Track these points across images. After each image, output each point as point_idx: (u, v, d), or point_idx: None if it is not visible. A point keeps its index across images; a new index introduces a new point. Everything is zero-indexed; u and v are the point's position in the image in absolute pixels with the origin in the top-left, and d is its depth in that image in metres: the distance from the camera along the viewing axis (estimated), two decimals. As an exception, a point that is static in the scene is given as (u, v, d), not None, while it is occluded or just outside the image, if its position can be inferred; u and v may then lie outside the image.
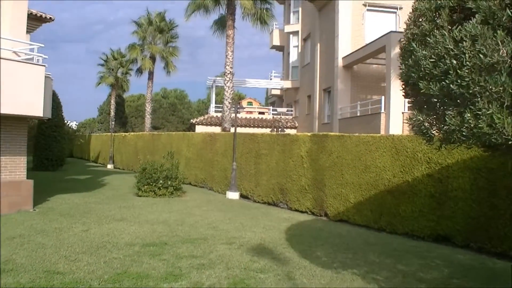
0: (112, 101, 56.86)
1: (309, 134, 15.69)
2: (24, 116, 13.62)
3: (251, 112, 40.53)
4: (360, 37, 27.33)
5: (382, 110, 21.95)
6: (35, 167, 30.20)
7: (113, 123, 42.26)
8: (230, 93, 28.88)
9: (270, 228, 12.33)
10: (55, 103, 30.45)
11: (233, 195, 19.05)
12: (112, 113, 56.37)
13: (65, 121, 38.20)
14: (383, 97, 22.40)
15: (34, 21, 22.28)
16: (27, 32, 22.65)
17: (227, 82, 28.84)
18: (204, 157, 22.75)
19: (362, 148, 13.37)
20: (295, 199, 16.03)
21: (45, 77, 13.98)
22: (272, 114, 41.02)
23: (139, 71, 47.04)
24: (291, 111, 40.88)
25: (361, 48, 25.46)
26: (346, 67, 27.46)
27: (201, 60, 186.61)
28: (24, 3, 14.72)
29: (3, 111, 12.47)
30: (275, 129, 29.49)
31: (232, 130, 29.83)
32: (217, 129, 32.85)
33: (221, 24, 31.11)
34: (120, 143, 37.13)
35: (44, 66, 13.82)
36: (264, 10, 29.49)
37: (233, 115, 39.61)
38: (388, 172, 12.53)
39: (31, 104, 13.23)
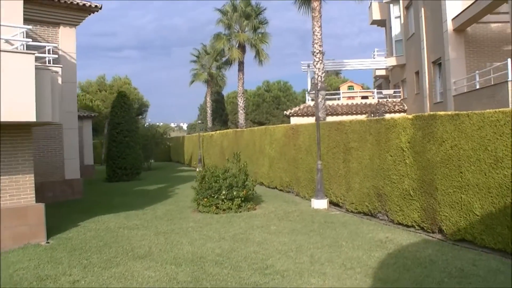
0: (208, 99, 54.02)
1: (410, 116, 11.16)
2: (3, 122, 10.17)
3: (352, 98, 35.93)
4: (472, -8, 22.07)
5: (510, 78, 16.82)
6: (109, 178, 27.64)
7: (199, 122, 39.12)
8: (322, 76, 24.60)
9: (351, 266, 8.11)
10: (126, 105, 27.86)
11: (320, 204, 14.85)
12: (209, 111, 53.55)
13: (148, 123, 35.58)
14: (509, 60, 17.25)
15: (78, 12, 19.35)
16: (72, 25, 19.82)
17: (316, 63, 24.59)
18: (287, 155, 18.68)
19: (488, 132, 8.75)
20: (397, 208, 11.58)
21: (46, 69, 10.78)
22: (378, 97, 36.12)
23: (228, 62, 43.71)
24: (399, 92, 35.82)
25: (473, 2, 20.21)
26: (458, 31, 22.34)
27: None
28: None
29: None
30: (373, 115, 24.83)
31: (328, 119, 25.67)
32: (313, 120, 28.65)
33: (305, -4, 26.87)
34: (208, 144, 33.88)
35: (33, 54, 10.35)
36: (354, -26, 24.92)
37: (327, 102, 35.44)
38: (534, 167, 7.91)
39: (14, 106, 9.82)
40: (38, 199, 16.72)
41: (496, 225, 8.58)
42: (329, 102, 34.64)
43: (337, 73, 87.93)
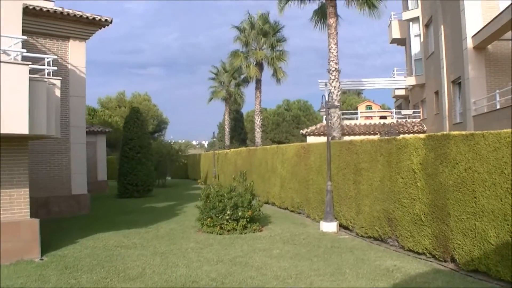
0: (226, 117, 53.47)
1: (422, 136, 10.48)
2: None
3: (370, 118, 35.23)
4: (493, 8, 21.37)
5: (532, 97, 16.14)
6: (120, 194, 27.21)
7: (214, 139, 38.42)
8: (337, 95, 24.06)
9: (351, 299, 7.43)
10: (139, 121, 27.52)
11: (329, 227, 14.17)
12: (227, 129, 52.97)
13: (168, 140, 35.09)
14: (532, 77, 16.57)
15: (88, 25, 19.02)
16: (82, 39, 19.51)
17: (332, 82, 24.10)
18: (298, 175, 18.03)
19: (505, 153, 8.05)
20: (408, 233, 10.87)
21: (41, 81, 10.49)
22: (396, 118, 35.38)
23: (246, 80, 43.14)
24: (418, 112, 35.02)
25: (494, 18, 19.52)
26: (478, 49, 21.64)
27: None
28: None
29: None
30: (387, 134, 24.08)
31: (345, 139, 24.97)
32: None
33: (321, 14, 26.47)
34: (223, 162, 33.34)
35: (28, 64, 9.97)
36: (371, -9, 24.43)
37: (345, 122, 34.77)
38: (555, 192, 7.21)
39: (5, 117, 9.44)
40: (44, 214, 16.50)
41: (512, 256, 7.86)
42: (346, 122, 34.05)
43: (358, 92, 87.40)
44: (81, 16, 18.33)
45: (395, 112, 36.52)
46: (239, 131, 65.84)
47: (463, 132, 9.15)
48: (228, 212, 13.99)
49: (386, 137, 11.92)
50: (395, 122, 33.69)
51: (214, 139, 38.32)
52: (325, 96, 14.67)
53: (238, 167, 27.94)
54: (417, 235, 10.48)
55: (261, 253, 11.12)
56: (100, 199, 25.97)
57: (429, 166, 10.02)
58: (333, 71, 23.96)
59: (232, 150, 32.18)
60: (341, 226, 14.41)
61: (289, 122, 70.85)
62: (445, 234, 9.55)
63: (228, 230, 13.94)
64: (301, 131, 34.48)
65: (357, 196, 13.25)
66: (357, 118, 35.28)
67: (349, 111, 40.12)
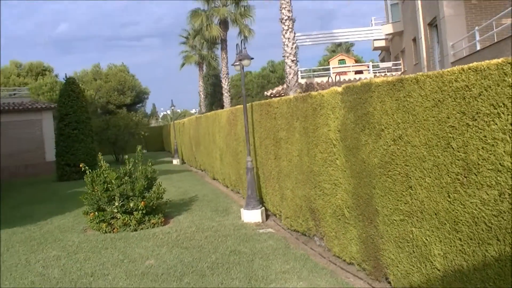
0: (201, 82, 49.61)
1: (339, 89, 6.84)
2: None
3: (345, 73, 31.27)
4: None
5: (519, 30, 12.47)
6: (59, 177, 23.79)
7: (173, 108, 34.48)
8: (292, 49, 20.40)
9: None
10: (74, 94, 23.95)
11: (251, 216, 10.68)
12: (202, 96, 49.25)
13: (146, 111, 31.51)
14: (516, 5, 12.86)
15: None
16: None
17: (286, 32, 20.36)
18: (231, 146, 14.48)
19: (452, 111, 4.43)
20: (333, 233, 7.37)
21: None
22: (373, 72, 31.57)
23: (211, 41, 38.97)
24: (399, 64, 31.24)
25: None
26: (454, -21, 17.82)
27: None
28: None
29: None
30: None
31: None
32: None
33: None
34: (182, 133, 29.62)
35: None
36: None
37: (316, 79, 31.01)
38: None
39: None
40: None
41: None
42: (317, 79, 30.28)
43: (348, 49, 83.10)
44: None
45: (372, 65, 32.65)
46: (219, 96, 62.10)
47: (389, 79, 5.51)
48: (116, 203, 10.53)
49: (302, 94, 8.29)
50: (372, 76, 29.92)
51: (173, 107, 34.48)
52: (238, 46, 11.00)
53: (191, 138, 24.50)
54: (342, 236, 7.00)
55: (126, 265, 7.77)
56: (33, 184, 22.75)
57: (348, 134, 6.45)
58: (285, 20, 20.19)
59: (188, 118, 28.43)
60: (269, 213, 10.96)
61: (275, 84, 67.00)
62: (374, 240, 6.06)
63: (121, 226, 10.49)
64: (266, 92, 30.74)
65: (279, 176, 9.73)
66: (329, 75, 31.50)
67: (320, 67, 36.26)
